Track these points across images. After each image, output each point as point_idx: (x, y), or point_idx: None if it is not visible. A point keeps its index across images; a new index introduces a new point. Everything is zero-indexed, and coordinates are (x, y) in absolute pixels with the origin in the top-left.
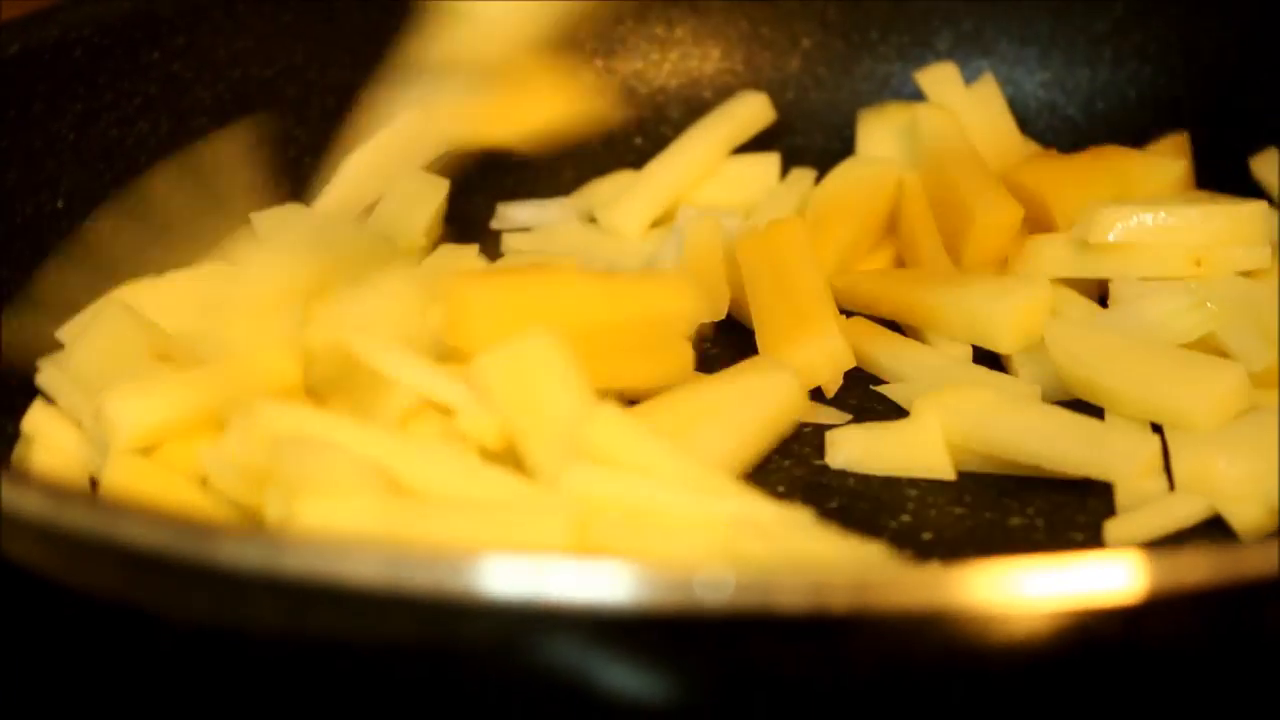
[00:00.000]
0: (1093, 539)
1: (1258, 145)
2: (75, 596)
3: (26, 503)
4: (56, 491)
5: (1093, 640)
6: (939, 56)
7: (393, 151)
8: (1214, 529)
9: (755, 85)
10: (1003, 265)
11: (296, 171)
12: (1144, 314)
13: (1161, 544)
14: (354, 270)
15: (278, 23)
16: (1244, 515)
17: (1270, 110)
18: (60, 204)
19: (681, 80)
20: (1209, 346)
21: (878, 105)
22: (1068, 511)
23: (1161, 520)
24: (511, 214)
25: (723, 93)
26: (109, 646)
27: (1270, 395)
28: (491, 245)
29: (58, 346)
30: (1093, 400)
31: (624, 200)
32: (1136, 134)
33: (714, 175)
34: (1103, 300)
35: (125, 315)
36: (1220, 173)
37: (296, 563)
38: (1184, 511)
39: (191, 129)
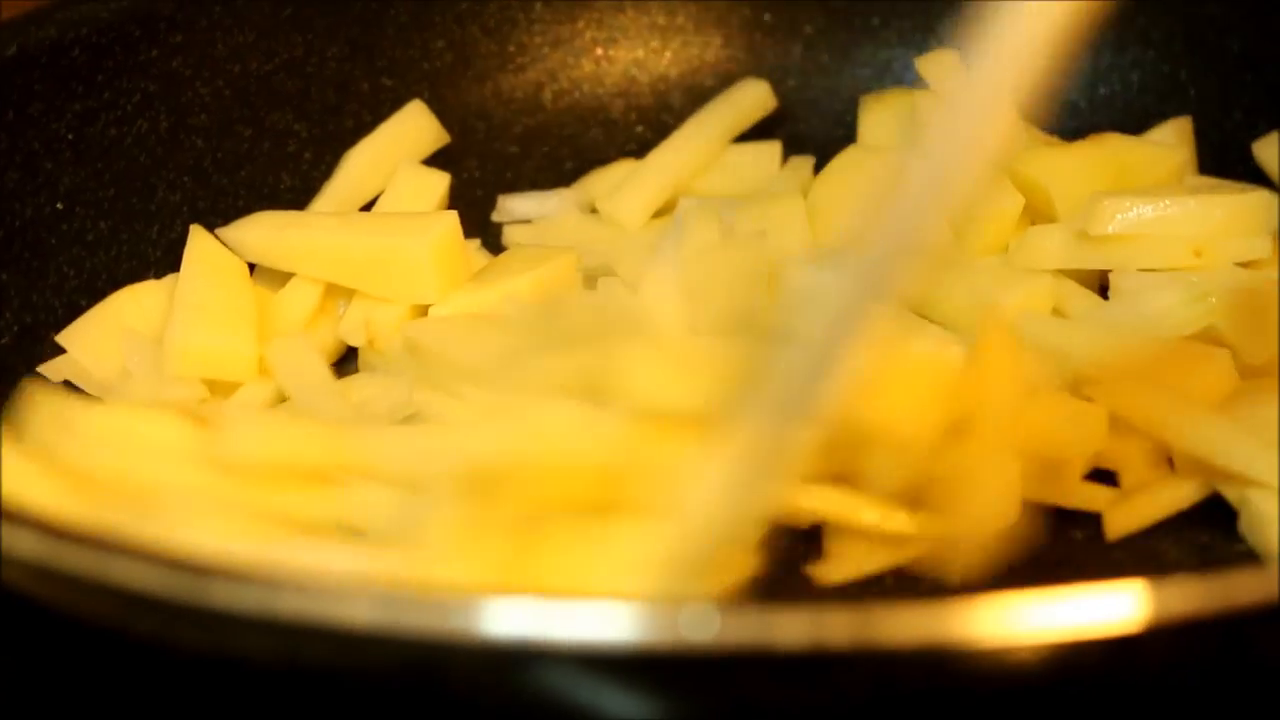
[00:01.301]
0: (1094, 537)
1: (1261, 130)
2: (72, 624)
3: (21, 542)
4: (52, 531)
5: (1092, 670)
6: (941, 43)
7: (393, 145)
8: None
9: (757, 72)
10: (1003, 254)
11: (297, 166)
12: (1144, 306)
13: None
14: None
15: (277, 17)
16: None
17: (1273, 94)
18: (60, 205)
19: (683, 68)
20: (1209, 338)
21: (879, 92)
22: (1068, 510)
23: (1161, 503)
24: (512, 206)
25: (724, 80)
26: (105, 672)
27: (1269, 383)
28: (493, 238)
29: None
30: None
31: (624, 191)
32: (1139, 118)
33: (715, 164)
34: (1104, 291)
35: (125, 320)
36: (1223, 157)
37: (291, 605)
38: (1182, 493)
39: (191, 126)
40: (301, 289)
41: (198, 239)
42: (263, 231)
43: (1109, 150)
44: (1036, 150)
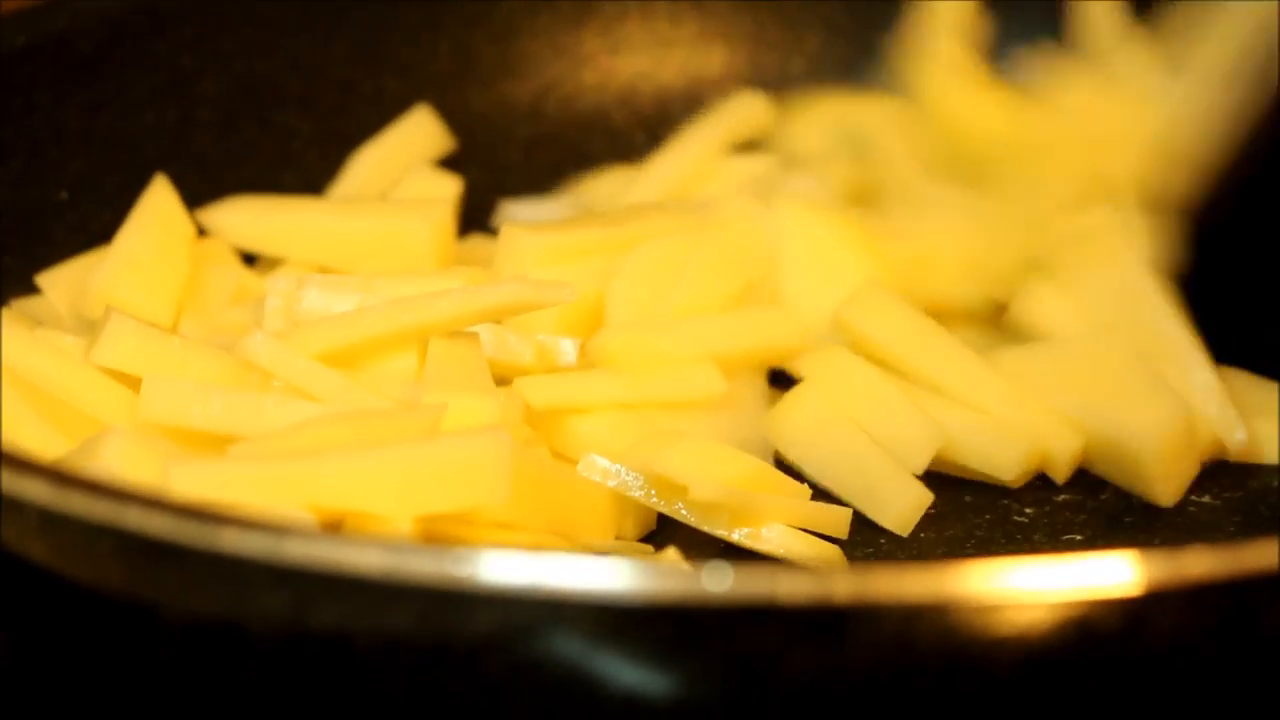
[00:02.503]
0: (1092, 540)
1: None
2: (75, 590)
3: (28, 489)
4: (59, 477)
5: (1093, 634)
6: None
7: (400, 149)
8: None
9: (759, 85)
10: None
11: (300, 165)
12: None
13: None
14: None
15: (283, 15)
16: None
17: None
18: (65, 195)
19: (685, 80)
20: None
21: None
22: (1068, 512)
23: None
24: (514, 211)
25: (726, 93)
26: (108, 641)
27: None
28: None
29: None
30: None
31: (622, 198)
32: None
33: (713, 174)
34: None
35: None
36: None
37: (298, 551)
38: None
39: (197, 121)
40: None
41: (157, 191)
42: (248, 215)
43: None
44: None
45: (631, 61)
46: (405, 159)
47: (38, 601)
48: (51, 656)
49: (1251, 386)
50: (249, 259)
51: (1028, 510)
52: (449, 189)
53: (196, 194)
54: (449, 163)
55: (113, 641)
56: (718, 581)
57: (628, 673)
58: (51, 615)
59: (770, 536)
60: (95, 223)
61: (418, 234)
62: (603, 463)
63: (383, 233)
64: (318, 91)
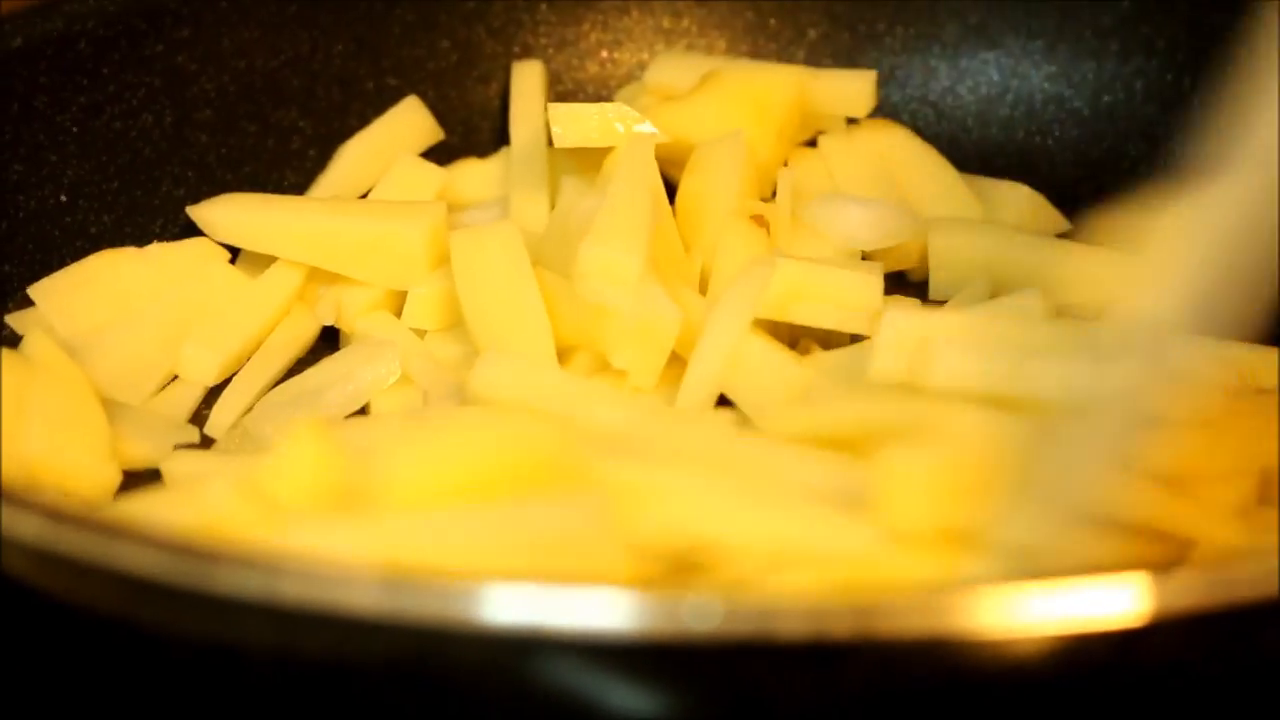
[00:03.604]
0: None
1: None
2: (69, 613)
3: (24, 526)
4: (55, 514)
5: (1092, 663)
6: (945, 49)
7: (388, 140)
8: None
9: None
10: None
11: (300, 163)
12: None
13: None
14: None
15: (282, 13)
16: None
17: None
18: (64, 197)
19: None
20: None
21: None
22: None
23: None
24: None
25: None
26: (105, 662)
27: None
28: None
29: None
30: None
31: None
32: (1143, 127)
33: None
34: None
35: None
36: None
37: (294, 590)
38: None
39: (196, 121)
40: (285, 273)
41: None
42: (239, 213)
43: None
44: None
45: (633, 54)
46: (394, 150)
47: (34, 624)
48: (47, 677)
49: None
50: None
51: None
52: (433, 181)
53: (196, 194)
54: (448, 156)
55: (107, 663)
56: (708, 619)
57: (623, 707)
58: (47, 637)
59: None
60: (94, 225)
61: (411, 236)
62: None
63: (375, 234)
64: (317, 89)
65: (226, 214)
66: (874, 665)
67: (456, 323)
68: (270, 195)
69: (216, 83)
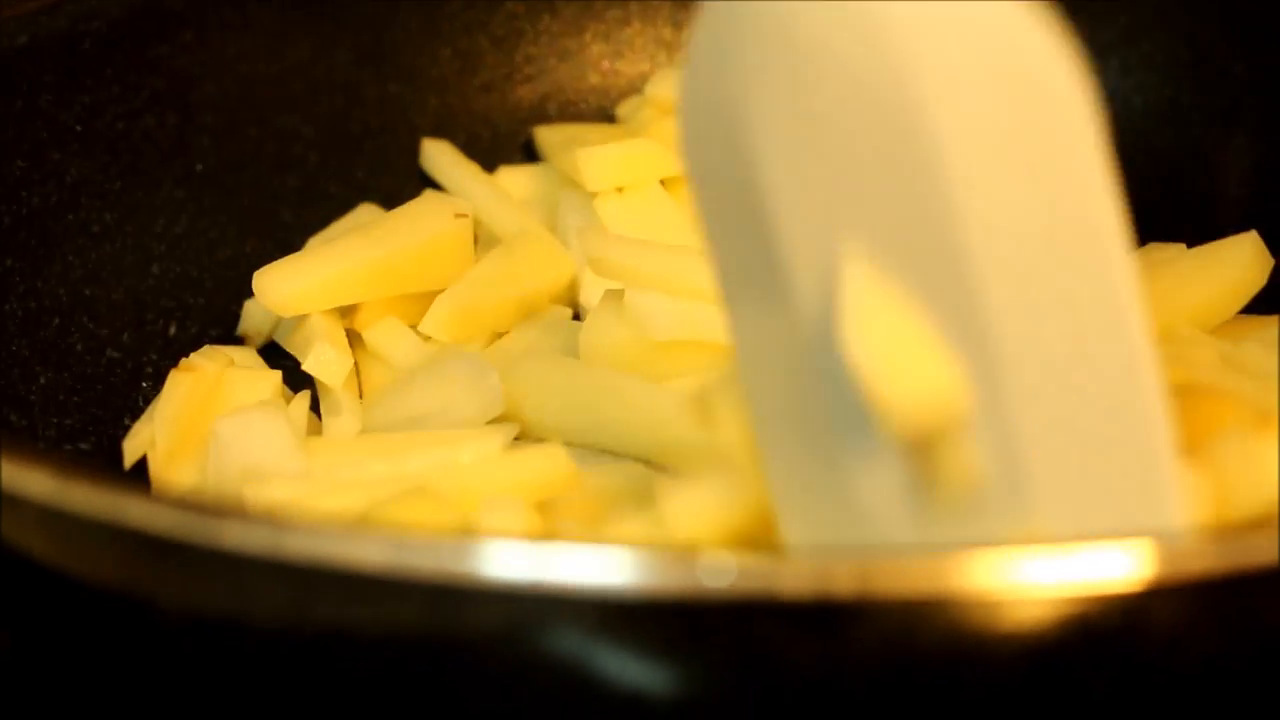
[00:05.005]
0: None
1: (1264, 156)
2: (75, 586)
3: (30, 484)
4: (61, 472)
5: (1095, 626)
6: None
7: None
8: None
9: None
10: None
11: (302, 168)
12: None
13: None
14: None
15: (286, 19)
16: None
17: (1277, 118)
18: (66, 195)
19: None
20: None
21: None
22: None
23: None
24: None
25: None
26: (109, 638)
27: None
28: None
29: None
30: None
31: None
32: (1143, 142)
33: None
34: None
35: None
36: (1223, 184)
37: (300, 546)
38: None
39: (198, 124)
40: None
41: None
42: (290, 282)
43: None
44: None
45: (634, 65)
46: None
47: (38, 598)
48: (52, 653)
49: None
50: None
51: None
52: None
53: (197, 195)
54: None
55: (113, 638)
56: (718, 577)
57: (630, 667)
58: (51, 612)
59: None
60: (96, 224)
61: (462, 235)
62: None
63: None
64: (319, 94)
65: (279, 286)
66: (876, 626)
67: (473, 336)
68: (305, 255)
69: (219, 86)
